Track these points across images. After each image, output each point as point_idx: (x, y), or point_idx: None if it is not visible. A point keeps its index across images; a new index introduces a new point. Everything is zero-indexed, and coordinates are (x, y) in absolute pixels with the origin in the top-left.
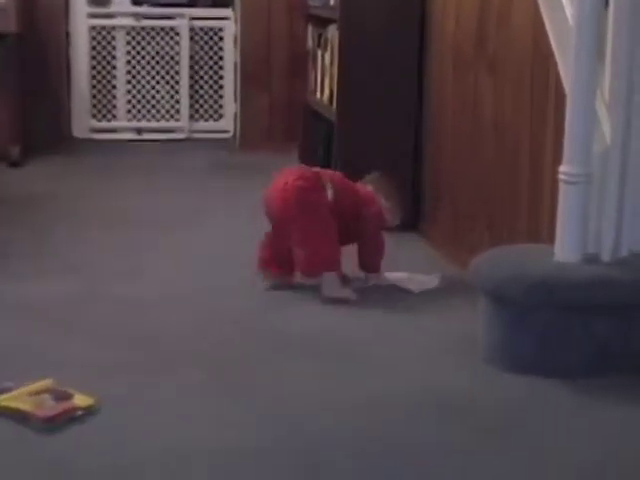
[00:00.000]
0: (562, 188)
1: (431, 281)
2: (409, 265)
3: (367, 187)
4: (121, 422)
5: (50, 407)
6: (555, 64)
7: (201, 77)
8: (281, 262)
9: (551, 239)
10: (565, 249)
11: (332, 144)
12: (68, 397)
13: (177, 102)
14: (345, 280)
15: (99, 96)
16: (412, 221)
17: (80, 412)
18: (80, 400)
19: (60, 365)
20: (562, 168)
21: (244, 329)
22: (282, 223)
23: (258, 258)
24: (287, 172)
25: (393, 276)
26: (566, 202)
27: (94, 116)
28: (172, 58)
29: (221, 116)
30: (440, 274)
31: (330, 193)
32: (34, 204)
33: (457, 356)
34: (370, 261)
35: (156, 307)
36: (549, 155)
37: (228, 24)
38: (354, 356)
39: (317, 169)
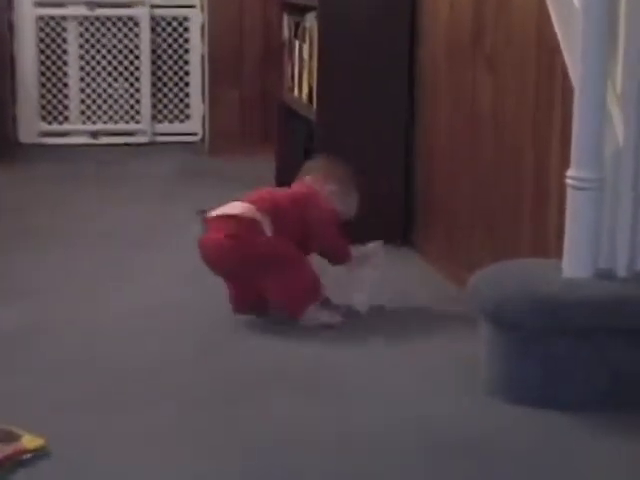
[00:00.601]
0: (570, 195)
1: (375, 250)
2: (400, 283)
3: (304, 184)
4: (75, 466)
5: None
6: (561, 55)
7: (164, 73)
8: (252, 303)
9: (559, 253)
10: (575, 264)
11: (312, 147)
12: (15, 438)
13: (137, 102)
14: (327, 302)
15: (48, 96)
16: (403, 233)
17: (29, 455)
18: (29, 441)
19: (6, 402)
20: (570, 172)
21: (216, 359)
22: (232, 275)
23: (229, 296)
24: (216, 224)
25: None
26: (575, 210)
27: (43, 118)
28: (131, 52)
29: (188, 117)
30: (381, 241)
31: (268, 228)
32: None
33: (454, 386)
34: (335, 264)
35: (117, 335)
36: (555, 158)
37: (194, 12)
38: (340, 387)
39: (254, 198)
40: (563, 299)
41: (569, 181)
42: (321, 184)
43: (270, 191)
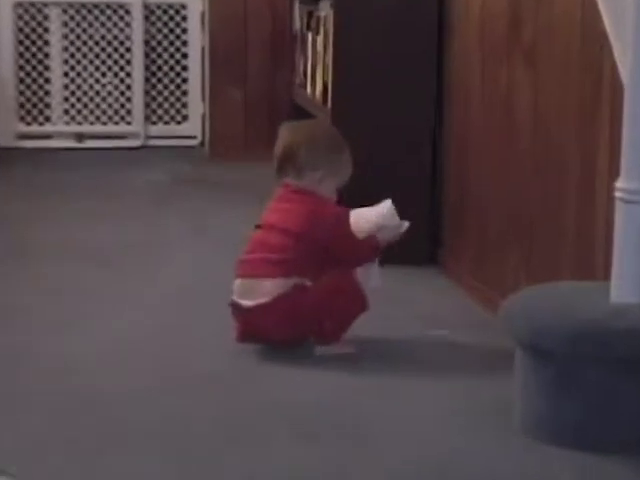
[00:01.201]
0: (619, 209)
1: (388, 215)
2: (425, 307)
3: (292, 190)
4: None
5: None
6: (610, 49)
7: (159, 68)
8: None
9: (606, 274)
10: (624, 287)
11: None
12: None
13: (129, 100)
14: None
15: (28, 93)
16: (429, 252)
17: None
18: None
19: None
20: (619, 184)
21: (213, 396)
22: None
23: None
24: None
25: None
26: (624, 227)
27: (22, 119)
28: (122, 43)
29: (185, 118)
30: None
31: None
32: None
33: (486, 426)
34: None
35: (100, 365)
36: (603, 167)
37: (193, 0)
38: (357, 430)
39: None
40: (610, 327)
41: (618, 193)
42: (308, 179)
43: (272, 243)
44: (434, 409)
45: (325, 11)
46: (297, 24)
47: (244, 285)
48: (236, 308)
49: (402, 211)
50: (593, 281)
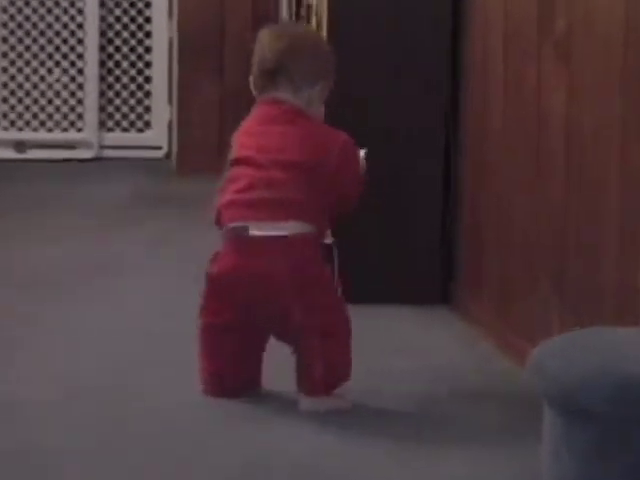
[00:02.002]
0: None
1: None
2: (437, 354)
3: (280, 107)
4: None
5: None
6: None
7: (117, 63)
8: (243, 372)
9: None
10: None
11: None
12: None
13: (80, 102)
14: None
15: None
16: (442, 290)
17: None
18: None
19: None
20: None
21: (181, 460)
22: (271, 309)
23: (202, 369)
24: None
25: None
26: None
27: None
28: (72, 34)
29: (148, 124)
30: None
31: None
32: None
33: None
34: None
35: (42, 410)
36: None
37: None
38: None
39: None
40: None
41: None
42: (306, 95)
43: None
44: (447, 477)
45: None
46: (284, 12)
47: (240, 228)
48: (234, 244)
49: (412, 242)
50: (638, 327)
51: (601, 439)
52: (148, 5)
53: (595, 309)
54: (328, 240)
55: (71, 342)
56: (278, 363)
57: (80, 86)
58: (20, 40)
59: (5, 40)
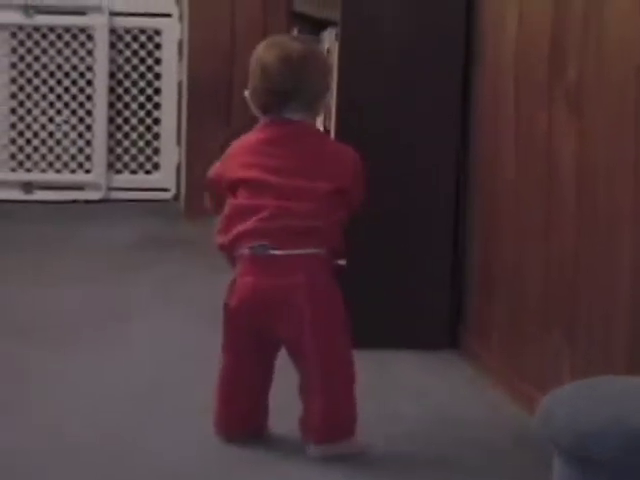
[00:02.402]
0: None
1: None
2: (445, 400)
3: (295, 125)
4: None
5: None
6: None
7: (126, 105)
8: (254, 412)
9: None
10: None
11: None
12: None
13: (88, 144)
14: None
15: None
16: (452, 333)
17: None
18: None
19: None
20: None
21: None
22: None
23: (218, 412)
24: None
25: None
26: None
27: None
28: (82, 75)
29: (157, 166)
30: None
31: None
32: None
33: None
34: None
35: (38, 470)
36: None
37: (169, 24)
38: None
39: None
40: None
41: None
42: (316, 110)
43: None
44: None
45: (329, 43)
46: None
47: (259, 248)
48: (249, 263)
49: (419, 284)
50: None
51: None
52: (158, 47)
53: (607, 358)
54: (342, 261)
55: (74, 392)
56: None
57: (89, 128)
58: (29, 81)
59: (14, 81)
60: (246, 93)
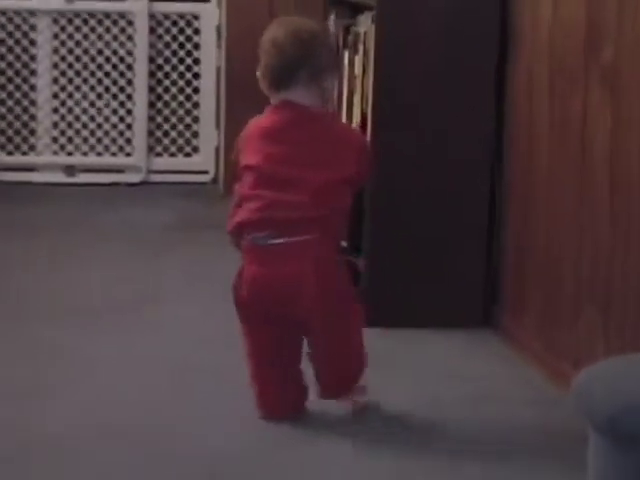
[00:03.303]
0: None
1: None
2: (481, 378)
3: (298, 108)
4: None
5: None
6: None
7: (166, 89)
8: (289, 390)
9: None
10: None
11: (361, 194)
12: None
13: (129, 127)
14: None
15: (10, 117)
16: (485, 313)
17: None
18: None
19: None
20: None
21: None
22: (301, 320)
23: (257, 394)
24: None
25: None
26: None
27: (2, 147)
28: (122, 60)
29: (196, 149)
30: None
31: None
32: None
33: None
34: None
35: (79, 442)
36: None
37: (207, 8)
38: None
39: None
40: None
41: None
42: (323, 86)
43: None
44: None
45: (365, 26)
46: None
47: (260, 238)
48: (253, 253)
49: (455, 265)
50: None
51: None
52: (197, 32)
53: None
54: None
55: (117, 372)
56: None
57: (129, 112)
58: (70, 66)
59: (56, 66)
60: (258, 73)
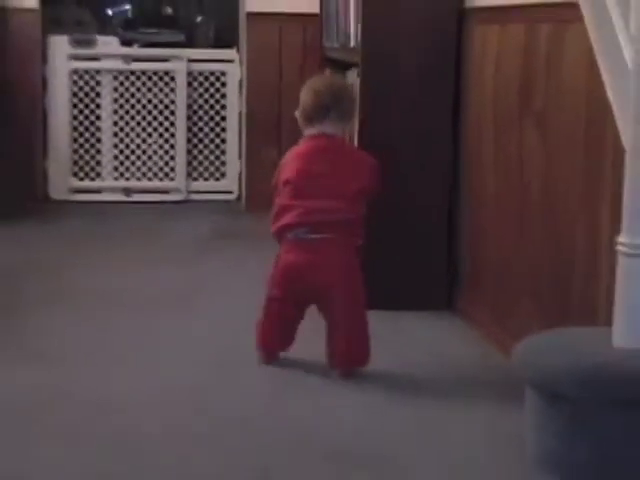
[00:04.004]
0: (621, 262)
1: None
2: (443, 349)
3: (327, 138)
4: None
5: None
6: (613, 117)
7: (200, 129)
8: (285, 339)
9: (609, 321)
10: (626, 333)
11: None
12: None
13: (172, 158)
14: None
15: (81, 151)
16: (447, 298)
17: None
18: None
19: (24, 475)
20: (621, 238)
21: (246, 433)
22: (322, 294)
23: (262, 336)
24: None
25: None
26: (626, 278)
27: (75, 174)
28: (166, 107)
29: (223, 175)
30: None
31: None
32: (1, 277)
33: (495, 464)
34: None
35: (139, 408)
36: (606, 223)
37: (232, 67)
38: (366, 457)
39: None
40: (614, 370)
41: (620, 247)
42: (346, 123)
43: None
44: (444, 446)
45: (352, 79)
46: None
47: (302, 232)
48: (292, 245)
49: (423, 261)
50: (599, 327)
51: (574, 416)
52: (224, 85)
53: (565, 314)
54: (360, 242)
55: (166, 351)
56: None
57: (172, 146)
58: (127, 112)
59: (116, 112)
60: (296, 113)
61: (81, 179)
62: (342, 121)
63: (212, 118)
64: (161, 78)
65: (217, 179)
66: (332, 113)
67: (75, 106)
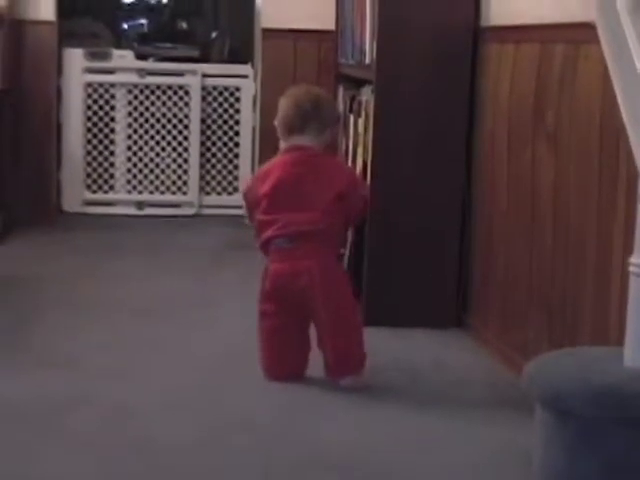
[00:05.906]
0: (632, 282)
1: None
2: (453, 366)
3: (306, 151)
4: None
5: None
6: (626, 138)
7: (214, 143)
8: (290, 360)
9: (620, 341)
10: (636, 353)
11: (364, 223)
12: None
13: (185, 172)
14: None
15: (94, 164)
16: (457, 316)
17: None
18: None
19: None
20: (633, 259)
21: (256, 440)
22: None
23: (265, 359)
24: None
25: None
26: (637, 298)
27: (88, 187)
28: (180, 121)
29: (236, 189)
30: None
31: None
32: (15, 288)
33: (509, 476)
34: None
35: (151, 413)
36: (618, 243)
37: (246, 82)
38: (380, 471)
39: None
40: (625, 390)
41: (631, 268)
42: (327, 135)
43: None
44: (456, 462)
45: (367, 96)
46: (340, 107)
47: (282, 241)
48: (276, 254)
49: (434, 278)
50: (609, 347)
51: (582, 434)
52: (238, 100)
53: (575, 333)
54: (343, 251)
55: (179, 358)
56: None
57: (185, 160)
58: (141, 126)
59: (129, 125)
60: (275, 122)
61: (94, 192)
62: (323, 129)
63: (225, 133)
64: (175, 92)
65: (230, 193)
66: (313, 122)
67: (89, 119)
